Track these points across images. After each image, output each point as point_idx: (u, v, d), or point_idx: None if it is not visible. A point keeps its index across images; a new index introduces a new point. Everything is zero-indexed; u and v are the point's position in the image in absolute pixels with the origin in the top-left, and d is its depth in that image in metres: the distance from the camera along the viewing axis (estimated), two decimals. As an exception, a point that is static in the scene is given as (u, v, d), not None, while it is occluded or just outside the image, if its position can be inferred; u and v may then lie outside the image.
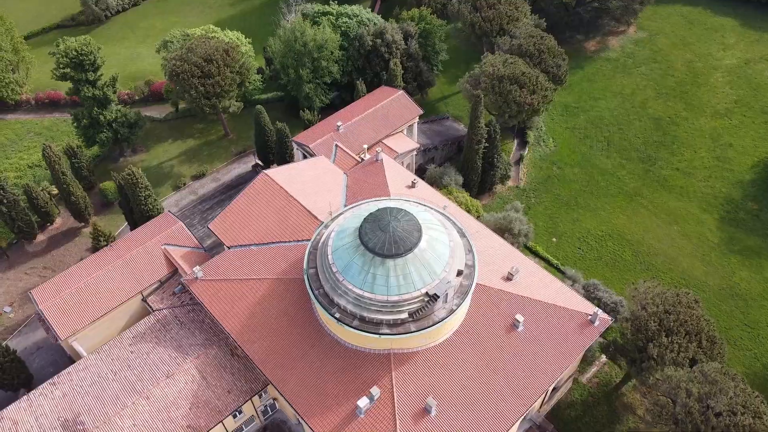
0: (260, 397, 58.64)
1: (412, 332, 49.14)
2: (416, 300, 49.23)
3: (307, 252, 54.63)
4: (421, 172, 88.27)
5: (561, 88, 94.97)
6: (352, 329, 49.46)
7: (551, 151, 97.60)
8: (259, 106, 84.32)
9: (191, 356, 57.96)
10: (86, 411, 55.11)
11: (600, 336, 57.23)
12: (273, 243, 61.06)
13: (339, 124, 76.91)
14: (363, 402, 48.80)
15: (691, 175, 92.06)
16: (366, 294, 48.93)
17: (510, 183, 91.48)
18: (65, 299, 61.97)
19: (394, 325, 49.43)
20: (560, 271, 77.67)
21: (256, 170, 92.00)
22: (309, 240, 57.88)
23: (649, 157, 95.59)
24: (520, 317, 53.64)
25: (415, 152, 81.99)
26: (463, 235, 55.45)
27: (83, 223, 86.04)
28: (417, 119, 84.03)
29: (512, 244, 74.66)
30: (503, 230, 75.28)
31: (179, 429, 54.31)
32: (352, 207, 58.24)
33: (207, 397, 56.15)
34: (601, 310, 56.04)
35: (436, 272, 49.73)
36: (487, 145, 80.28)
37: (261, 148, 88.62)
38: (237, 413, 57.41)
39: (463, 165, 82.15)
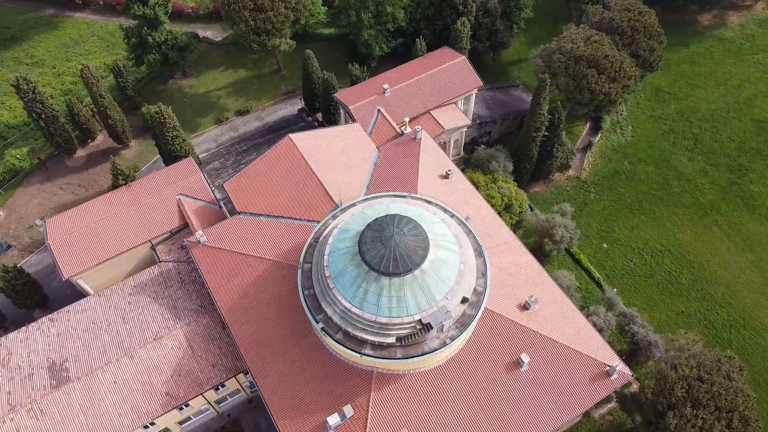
0: (246, 374, 56.93)
1: (396, 359, 44.76)
2: (407, 326, 44.48)
3: (307, 244, 50.32)
4: (472, 146, 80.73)
5: (651, 74, 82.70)
6: (334, 342, 45.65)
7: (627, 141, 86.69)
8: (308, 51, 78.00)
9: (182, 322, 56.38)
10: (73, 358, 55.17)
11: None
12: (284, 218, 57.09)
13: (386, 87, 69.88)
14: (333, 419, 45.72)
15: (785, 197, 79.84)
16: (354, 309, 44.58)
17: (571, 172, 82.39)
18: (74, 238, 61.25)
19: (379, 347, 45.14)
20: (599, 287, 70.19)
21: (301, 116, 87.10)
22: (318, 223, 53.65)
23: (740, 166, 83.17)
24: (525, 357, 48.00)
25: (465, 129, 74.15)
26: (480, 254, 49.28)
27: (122, 145, 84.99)
28: (476, 91, 75.42)
29: (550, 251, 68.08)
30: (544, 234, 68.08)
31: (157, 394, 53.61)
32: (366, 200, 52.85)
33: (190, 367, 54.84)
34: (622, 363, 49.45)
35: (435, 299, 44.45)
36: (547, 134, 71.37)
37: (307, 94, 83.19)
38: (220, 387, 56.11)
39: (517, 150, 73.89)
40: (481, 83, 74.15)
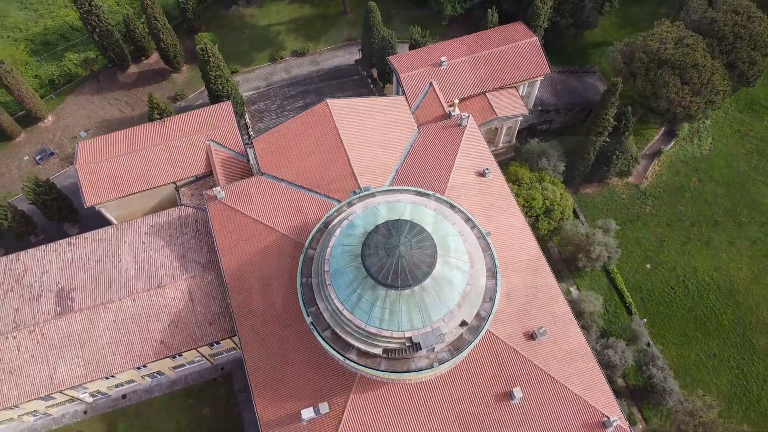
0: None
1: (380, 370, 42.92)
2: (395, 340, 42.26)
3: (315, 229, 48.07)
4: (529, 134, 75.05)
5: (745, 88, 73.47)
6: (320, 339, 44.09)
7: (702, 155, 78.61)
8: (372, 2, 72.67)
9: (188, 274, 56.10)
10: (81, 287, 56.14)
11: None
12: (304, 188, 54.76)
13: (443, 60, 64.60)
14: (308, 413, 44.85)
15: None
16: (345, 312, 42.56)
17: (630, 179, 75.82)
18: (101, 167, 61.10)
19: (364, 354, 43.30)
20: (628, 313, 65.55)
21: (357, 68, 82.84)
22: (338, 201, 51.20)
23: (828, 210, 74.39)
24: (518, 392, 45.25)
25: (521, 118, 68.44)
26: (493, 275, 45.78)
27: (173, 69, 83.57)
28: (542, 77, 68.98)
29: (584, 267, 63.62)
30: (580, 248, 63.38)
31: (153, 341, 54.25)
32: (388, 191, 49.62)
33: (188, 321, 54.94)
34: (622, 419, 46.01)
35: (431, 319, 41.80)
36: (608, 140, 65.07)
37: (366, 48, 78.51)
38: (215, 343, 56.28)
39: (573, 150, 68.01)
40: (548, 70, 67.55)
